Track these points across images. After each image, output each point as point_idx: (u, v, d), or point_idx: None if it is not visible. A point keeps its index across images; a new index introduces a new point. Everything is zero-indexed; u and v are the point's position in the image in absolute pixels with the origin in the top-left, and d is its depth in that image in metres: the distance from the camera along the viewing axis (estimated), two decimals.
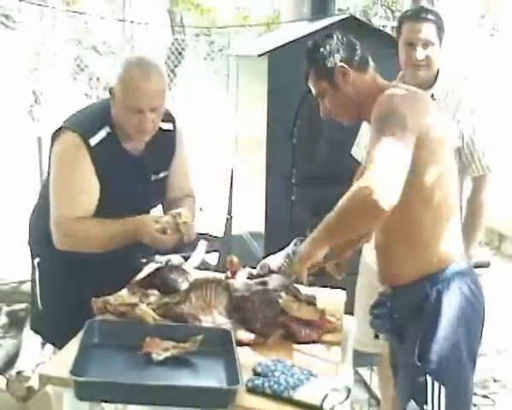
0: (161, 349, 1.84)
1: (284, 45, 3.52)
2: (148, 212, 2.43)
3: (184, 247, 2.45)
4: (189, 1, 11.32)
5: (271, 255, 2.31)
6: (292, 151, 3.55)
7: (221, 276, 2.31)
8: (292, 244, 2.26)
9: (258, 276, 2.27)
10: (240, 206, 4.39)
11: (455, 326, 1.96)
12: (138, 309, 1.98)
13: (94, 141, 2.26)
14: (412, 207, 1.95)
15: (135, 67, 2.24)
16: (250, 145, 4.08)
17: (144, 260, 2.42)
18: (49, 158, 2.37)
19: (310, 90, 2.19)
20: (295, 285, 2.19)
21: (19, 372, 3.35)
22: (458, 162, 2.77)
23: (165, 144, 2.41)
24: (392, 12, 12.40)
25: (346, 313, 2.34)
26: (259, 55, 3.60)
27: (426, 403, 1.96)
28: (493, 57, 9.59)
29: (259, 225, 3.70)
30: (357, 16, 4.71)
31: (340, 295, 2.43)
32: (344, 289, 2.47)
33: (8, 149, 7.93)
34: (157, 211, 2.53)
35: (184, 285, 2.17)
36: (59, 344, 2.37)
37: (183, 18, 12.15)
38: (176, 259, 2.37)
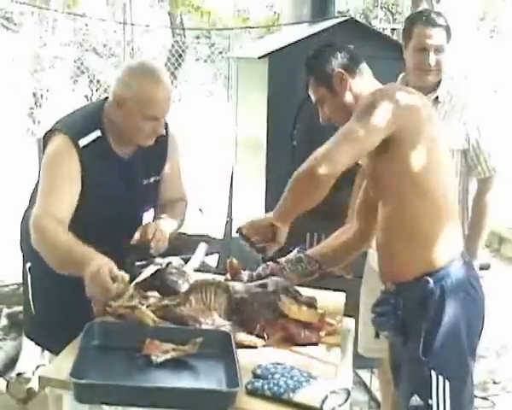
0: (161, 351, 1.84)
1: (284, 47, 3.52)
2: (132, 215, 2.42)
3: (183, 249, 2.44)
4: (189, 3, 11.33)
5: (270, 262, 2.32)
6: (292, 153, 3.54)
7: (221, 278, 2.32)
8: (295, 251, 2.30)
9: (259, 277, 2.27)
10: (240, 208, 4.38)
11: (457, 321, 1.99)
12: (138, 311, 1.98)
13: (83, 142, 2.26)
14: (407, 200, 2.00)
15: (145, 77, 2.25)
16: (250, 147, 4.08)
17: (139, 264, 2.40)
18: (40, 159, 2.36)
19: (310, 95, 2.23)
20: (295, 287, 2.19)
21: (19, 374, 3.35)
22: (464, 164, 2.78)
23: (156, 149, 2.40)
24: (393, 14, 12.44)
25: (348, 315, 2.35)
26: (260, 58, 3.60)
27: (430, 398, 1.98)
28: (493, 58, 9.61)
29: None
30: (358, 19, 4.70)
31: (339, 297, 2.44)
32: (344, 291, 2.48)
33: (8, 150, 7.93)
34: (149, 215, 2.53)
35: (184, 287, 2.17)
36: (52, 349, 2.37)
37: (183, 20, 12.17)
38: (176, 261, 2.36)
